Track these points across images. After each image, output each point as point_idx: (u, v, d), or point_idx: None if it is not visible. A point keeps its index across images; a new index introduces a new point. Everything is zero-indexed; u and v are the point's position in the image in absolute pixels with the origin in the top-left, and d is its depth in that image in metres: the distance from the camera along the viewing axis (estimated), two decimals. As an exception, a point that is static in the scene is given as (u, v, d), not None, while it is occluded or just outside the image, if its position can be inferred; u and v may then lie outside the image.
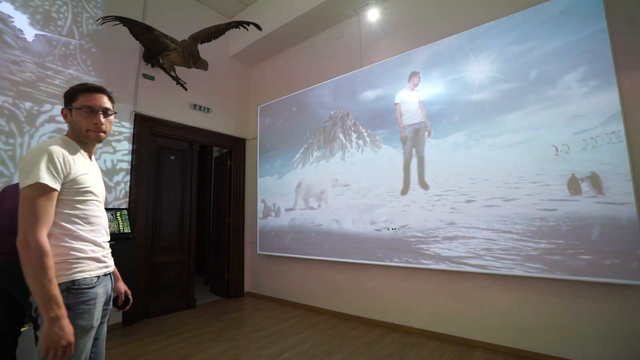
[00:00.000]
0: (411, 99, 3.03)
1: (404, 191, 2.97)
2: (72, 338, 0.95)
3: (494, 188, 2.48)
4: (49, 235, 1.01)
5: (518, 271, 2.31)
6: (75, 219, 1.08)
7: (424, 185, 2.85)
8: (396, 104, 3.12)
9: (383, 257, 3.01)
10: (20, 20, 2.67)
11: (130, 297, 1.43)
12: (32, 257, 0.94)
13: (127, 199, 3.30)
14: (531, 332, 2.31)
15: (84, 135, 1.15)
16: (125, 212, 3.12)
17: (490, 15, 2.63)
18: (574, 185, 2.17)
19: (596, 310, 2.10)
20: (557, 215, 2.20)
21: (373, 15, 3.43)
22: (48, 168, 1.00)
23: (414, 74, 3.03)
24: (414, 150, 2.97)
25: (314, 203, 3.65)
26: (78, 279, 1.06)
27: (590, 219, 2.08)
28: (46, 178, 0.99)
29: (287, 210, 3.92)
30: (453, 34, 2.79)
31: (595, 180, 2.09)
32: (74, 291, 1.03)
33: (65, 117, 1.16)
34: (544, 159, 2.30)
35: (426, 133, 2.89)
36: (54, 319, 0.93)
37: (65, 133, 1.19)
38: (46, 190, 0.99)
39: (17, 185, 1.95)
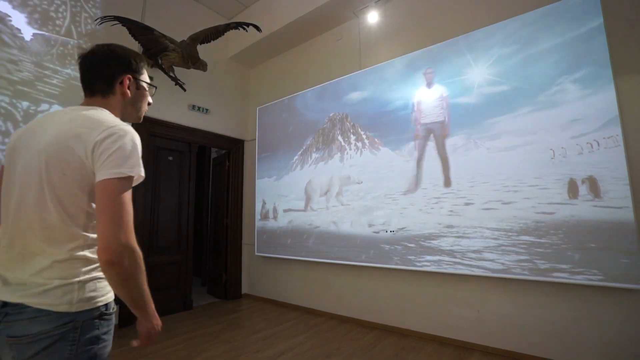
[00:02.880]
0: (428, 97, 2.92)
1: (410, 191, 2.93)
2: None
3: (493, 191, 2.49)
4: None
5: (516, 274, 2.31)
6: None
7: (448, 182, 2.72)
8: (416, 102, 2.99)
9: (381, 259, 3.00)
10: (18, 19, 2.65)
11: None
12: (139, 263, 0.81)
13: (125, 200, 3.27)
14: (529, 336, 2.31)
15: (137, 115, 0.97)
16: (122, 212, 3.10)
17: (489, 18, 2.65)
18: (571, 188, 2.18)
19: (594, 313, 2.11)
20: (555, 218, 2.21)
21: (372, 17, 3.44)
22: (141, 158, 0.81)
23: (426, 71, 2.93)
24: (431, 147, 2.85)
25: (325, 202, 3.60)
26: (110, 302, 0.86)
27: (588, 222, 2.09)
28: (143, 171, 0.83)
29: (285, 211, 3.91)
30: (452, 37, 2.80)
31: (592, 184, 2.11)
32: (107, 317, 0.84)
33: (126, 87, 0.91)
34: (542, 163, 2.31)
35: (442, 134, 2.78)
36: (152, 313, 0.86)
37: (91, 103, 0.91)
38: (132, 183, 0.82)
39: None
